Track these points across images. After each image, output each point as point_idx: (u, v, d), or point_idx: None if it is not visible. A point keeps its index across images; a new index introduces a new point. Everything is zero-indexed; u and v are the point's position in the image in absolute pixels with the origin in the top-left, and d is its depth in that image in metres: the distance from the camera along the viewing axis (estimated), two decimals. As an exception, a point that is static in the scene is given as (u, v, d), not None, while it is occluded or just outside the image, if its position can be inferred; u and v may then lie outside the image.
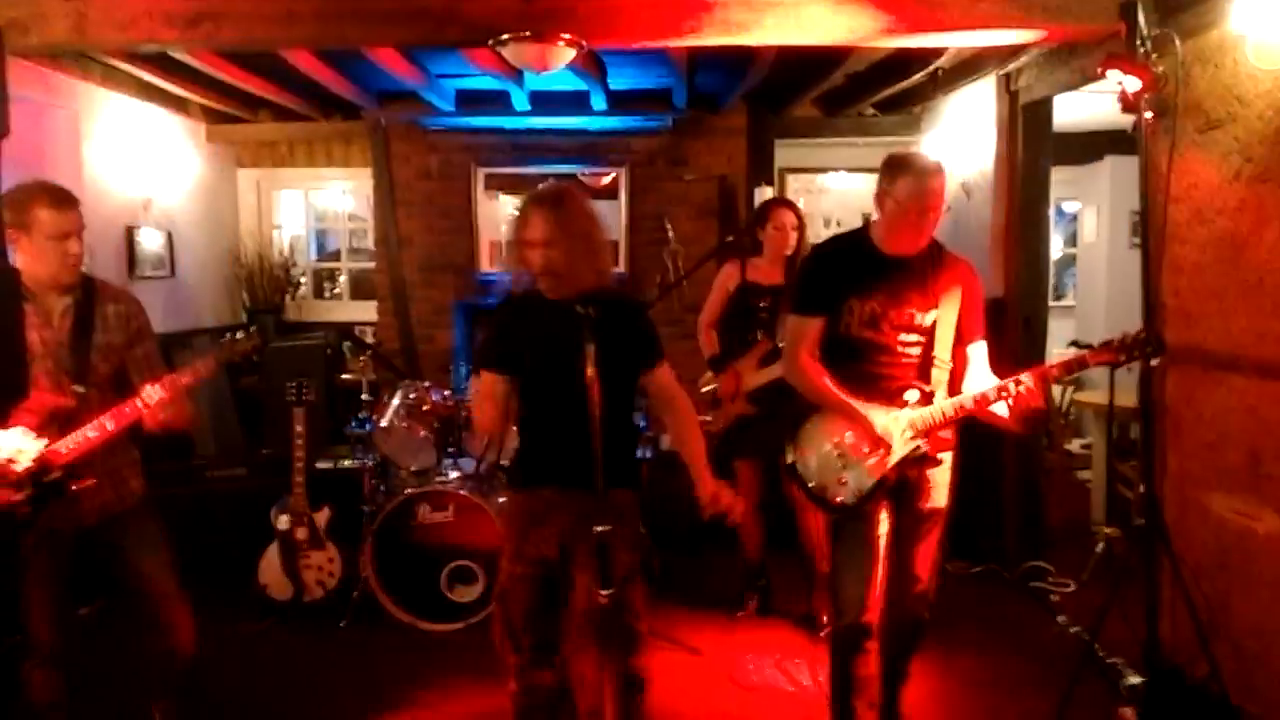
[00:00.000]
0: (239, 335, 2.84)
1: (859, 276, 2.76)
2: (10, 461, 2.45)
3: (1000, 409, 2.68)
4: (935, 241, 2.79)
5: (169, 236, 5.51)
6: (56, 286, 2.66)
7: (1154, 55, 2.78)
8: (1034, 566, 4.59)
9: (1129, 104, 2.73)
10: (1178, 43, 3.00)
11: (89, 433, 2.60)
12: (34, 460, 2.48)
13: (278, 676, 3.69)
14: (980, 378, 2.77)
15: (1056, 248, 7.18)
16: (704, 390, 4.29)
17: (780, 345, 3.92)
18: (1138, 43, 2.73)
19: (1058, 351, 5.45)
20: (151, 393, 2.64)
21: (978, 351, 2.82)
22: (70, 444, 2.58)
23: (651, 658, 3.74)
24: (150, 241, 5.33)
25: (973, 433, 2.89)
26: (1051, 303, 4.90)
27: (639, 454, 5.13)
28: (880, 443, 2.69)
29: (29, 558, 2.58)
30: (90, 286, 2.74)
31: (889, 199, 2.70)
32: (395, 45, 4.06)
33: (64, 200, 2.62)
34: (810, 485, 2.80)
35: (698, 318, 4.25)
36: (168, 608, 2.87)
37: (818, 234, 6.35)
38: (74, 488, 2.58)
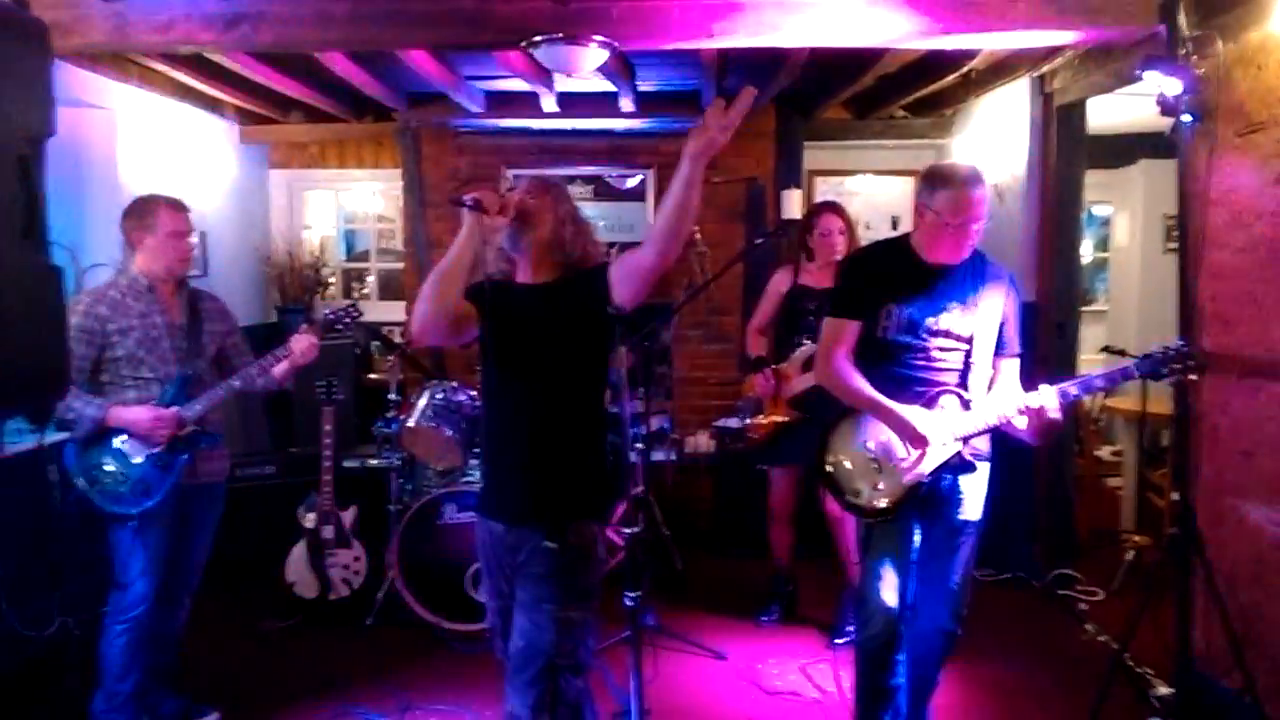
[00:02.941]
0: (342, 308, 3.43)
1: (898, 283, 2.74)
2: (158, 421, 2.99)
3: (1019, 422, 2.65)
4: (977, 251, 2.76)
5: (202, 237, 5.56)
6: (172, 278, 3.14)
7: (1194, 57, 2.75)
8: (1062, 574, 4.55)
9: (1168, 106, 2.70)
10: (1219, 44, 2.96)
11: (217, 390, 3.12)
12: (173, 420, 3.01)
13: (303, 673, 3.72)
14: (1007, 393, 2.74)
15: (1087, 252, 7.09)
16: (744, 394, 4.27)
17: None
18: (1178, 44, 2.70)
19: (1087, 358, 5.40)
20: (297, 342, 3.22)
21: (1010, 369, 2.79)
22: (200, 404, 3.08)
23: (677, 662, 3.76)
24: (184, 241, 5.39)
25: (1001, 440, 2.86)
26: (1083, 308, 4.84)
27: (662, 457, 5.17)
28: (919, 441, 2.66)
29: (158, 508, 3.01)
30: (192, 290, 3.26)
31: (929, 211, 2.68)
32: (428, 47, 4.08)
33: (179, 205, 3.18)
34: (844, 490, 2.79)
35: (723, 320, 4.25)
36: (187, 586, 3.25)
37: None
38: (202, 435, 3.10)
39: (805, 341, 3.95)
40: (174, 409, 3.03)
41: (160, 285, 3.11)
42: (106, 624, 3.07)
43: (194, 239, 3.21)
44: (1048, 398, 2.58)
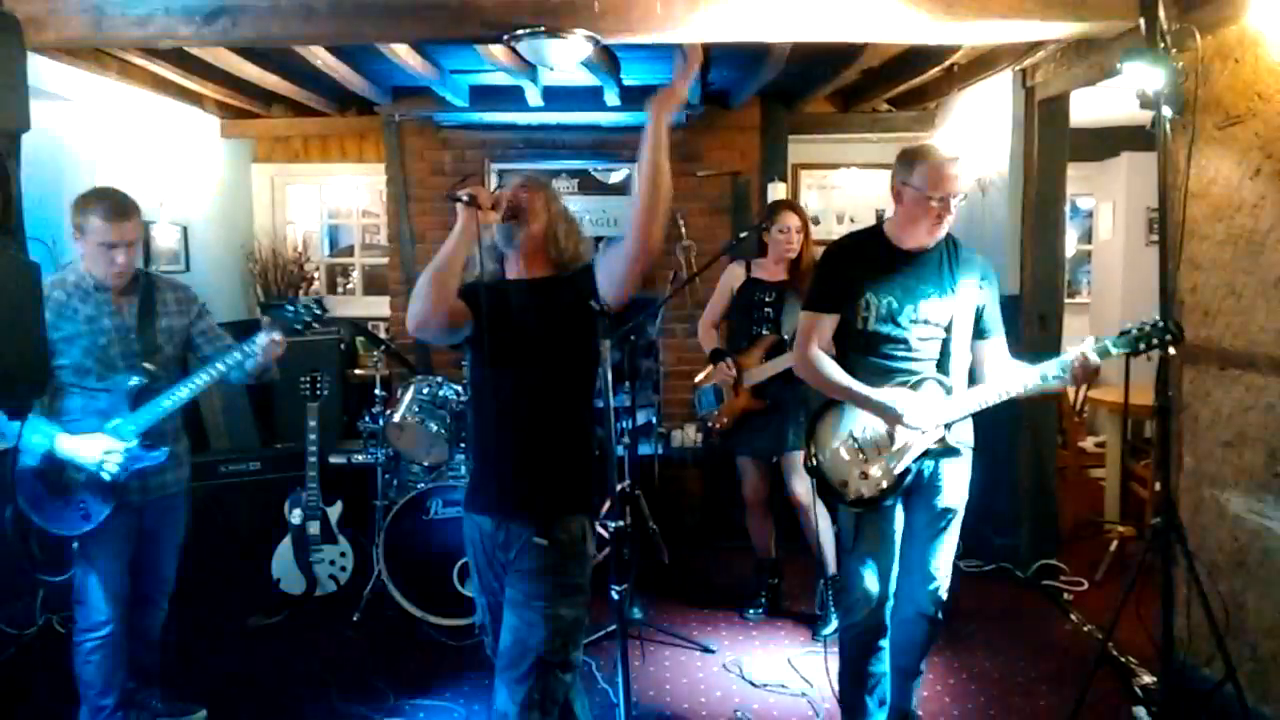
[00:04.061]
0: (302, 303, 3.06)
1: (875, 271, 2.75)
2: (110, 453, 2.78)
3: (1059, 382, 2.67)
4: (951, 236, 2.78)
5: (184, 232, 5.53)
6: (105, 286, 2.85)
7: (1174, 50, 2.76)
8: (1047, 565, 4.57)
9: (1148, 99, 2.71)
10: (1198, 37, 2.98)
11: (164, 402, 2.87)
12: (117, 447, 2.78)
13: (290, 670, 3.71)
14: (1006, 372, 2.75)
15: (1071, 244, 7.14)
16: (698, 383, 4.29)
17: (786, 338, 3.93)
18: (1157, 37, 2.71)
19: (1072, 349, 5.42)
20: (244, 352, 2.92)
21: (998, 347, 2.81)
22: (147, 414, 2.84)
23: (665, 656, 3.77)
24: (165, 237, 5.35)
25: (985, 430, 2.88)
26: (1066, 300, 4.87)
27: (649, 450, 5.17)
28: (902, 423, 2.66)
29: (100, 531, 2.84)
30: (149, 280, 3.00)
31: (907, 189, 2.70)
32: (412, 41, 4.06)
33: (119, 212, 2.76)
34: (833, 482, 2.79)
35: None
36: (161, 590, 3.15)
37: (830, 230, 6.34)
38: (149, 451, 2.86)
39: (765, 332, 3.99)
40: (124, 445, 2.81)
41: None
42: (76, 642, 2.92)
43: (122, 257, 2.80)
44: (1086, 348, 2.59)
